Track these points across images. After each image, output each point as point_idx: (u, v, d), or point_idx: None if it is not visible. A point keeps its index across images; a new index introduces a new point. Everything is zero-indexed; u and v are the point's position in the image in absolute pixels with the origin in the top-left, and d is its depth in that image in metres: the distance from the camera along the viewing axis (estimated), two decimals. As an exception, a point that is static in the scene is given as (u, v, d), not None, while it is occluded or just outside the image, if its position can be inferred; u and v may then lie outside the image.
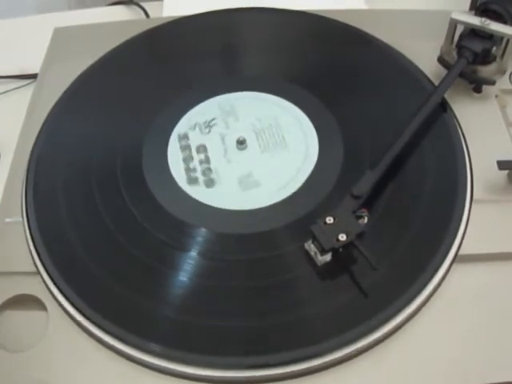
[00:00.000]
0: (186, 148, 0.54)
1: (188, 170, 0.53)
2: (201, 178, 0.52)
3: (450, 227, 0.47)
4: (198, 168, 0.53)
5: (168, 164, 0.53)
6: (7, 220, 0.50)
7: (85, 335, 0.44)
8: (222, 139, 0.55)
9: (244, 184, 0.51)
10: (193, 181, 0.52)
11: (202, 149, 0.54)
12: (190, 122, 0.56)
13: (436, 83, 0.55)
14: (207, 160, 0.53)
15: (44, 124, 0.56)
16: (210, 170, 0.53)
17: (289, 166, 0.52)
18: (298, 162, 0.52)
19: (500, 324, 0.44)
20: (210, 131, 0.55)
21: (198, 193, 0.51)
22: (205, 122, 0.56)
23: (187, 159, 0.53)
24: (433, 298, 0.45)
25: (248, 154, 0.54)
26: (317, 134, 0.54)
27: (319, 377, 0.42)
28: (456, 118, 0.54)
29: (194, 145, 0.54)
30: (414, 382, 0.42)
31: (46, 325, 0.45)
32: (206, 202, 0.50)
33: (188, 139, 0.55)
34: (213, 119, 0.56)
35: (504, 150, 0.52)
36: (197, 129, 0.55)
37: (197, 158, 0.53)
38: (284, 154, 0.53)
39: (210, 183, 0.52)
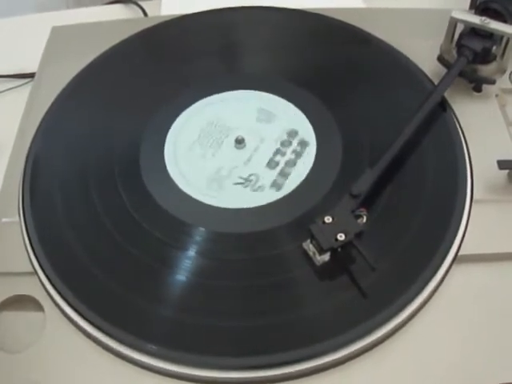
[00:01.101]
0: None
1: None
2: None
3: (449, 227, 0.47)
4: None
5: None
6: (4, 220, 0.50)
7: (82, 336, 0.44)
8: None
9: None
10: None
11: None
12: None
13: (436, 82, 0.55)
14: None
15: (41, 123, 0.56)
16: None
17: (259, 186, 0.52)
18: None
19: (500, 324, 0.43)
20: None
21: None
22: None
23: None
24: (433, 299, 0.44)
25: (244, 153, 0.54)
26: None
27: (318, 378, 0.42)
28: (456, 117, 0.54)
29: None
30: (414, 382, 0.41)
31: (43, 325, 0.44)
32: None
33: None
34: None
35: (504, 149, 0.52)
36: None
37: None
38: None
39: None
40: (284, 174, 0.51)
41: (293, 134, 0.54)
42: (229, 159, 0.53)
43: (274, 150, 0.53)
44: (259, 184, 0.51)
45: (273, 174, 0.52)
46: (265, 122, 0.55)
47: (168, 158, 0.53)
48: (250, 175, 0.52)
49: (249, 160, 0.53)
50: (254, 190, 0.51)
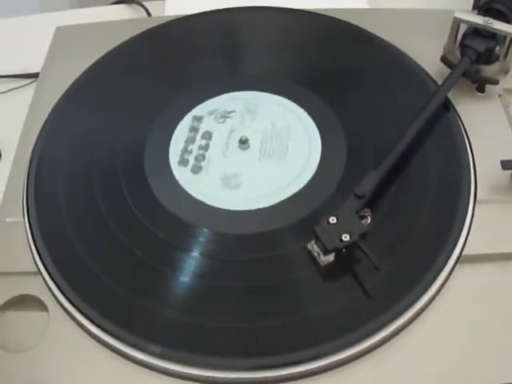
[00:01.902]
0: (193, 130, 0.54)
1: (185, 150, 0.53)
2: (191, 162, 0.53)
3: (453, 227, 0.47)
4: (194, 152, 0.53)
5: (170, 165, 0.53)
6: (8, 220, 0.50)
7: (86, 335, 0.44)
8: (230, 133, 0.55)
9: (227, 182, 0.52)
10: (183, 162, 0.53)
11: (207, 135, 0.54)
12: (208, 107, 0.57)
13: (439, 82, 0.55)
14: (206, 147, 0.54)
15: (45, 123, 0.56)
16: (203, 157, 0.53)
17: (292, 167, 0.52)
18: (301, 161, 0.52)
19: (504, 324, 0.43)
20: (224, 121, 0.55)
21: (201, 193, 0.51)
22: (224, 111, 0.56)
23: (189, 141, 0.54)
24: (437, 299, 0.44)
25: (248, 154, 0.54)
26: (319, 134, 0.54)
27: (322, 378, 0.42)
28: (459, 117, 0.54)
29: (202, 129, 0.55)
30: (418, 382, 0.41)
31: (46, 325, 0.45)
32: (208, 203, 0.50)
33: (200, 122, 0.55)
34: (232, 111, 0.56)
35: (507, 149, 0.52)
36: (212, 116, 0.56)
37: (198, 142, 0.54)
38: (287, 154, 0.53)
39: (197, 170, 0.52)
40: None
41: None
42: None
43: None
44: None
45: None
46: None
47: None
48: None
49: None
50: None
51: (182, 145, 0.54)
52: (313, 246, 0.45)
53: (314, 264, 0.45)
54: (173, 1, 0.72)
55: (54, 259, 0.47)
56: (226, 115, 0.56)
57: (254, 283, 0.46)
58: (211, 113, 0.56)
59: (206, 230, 0.48)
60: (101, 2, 0.75)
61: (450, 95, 0.54)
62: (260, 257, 0.47)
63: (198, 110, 0.56)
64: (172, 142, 0.54)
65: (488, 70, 0.56)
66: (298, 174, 0.51)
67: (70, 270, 0.46)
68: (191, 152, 0.53)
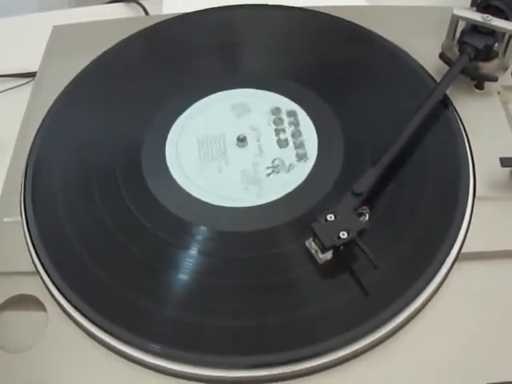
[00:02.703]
0: None
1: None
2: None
3: (452, 225, 0.47)
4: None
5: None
6: (6, 219, 0.50)
7: (84, 335, 0.44)
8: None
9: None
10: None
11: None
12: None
13: (438, 80, 0.55)
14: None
15: (43, 122, 0.56)
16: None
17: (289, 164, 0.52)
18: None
19: (503, 323, 0.43)
20: None
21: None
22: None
23: None
24: (435, 297, 0.44)
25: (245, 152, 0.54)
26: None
27: (320, 377, 0.41)
28: (458, 114, 0.54)
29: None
30: (416, 381, 0.41)
31: (45, 325, 0.44)
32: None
33: None
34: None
35: (506, 146, 0.51)
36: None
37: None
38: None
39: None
40: (299, 145, 0.53)
41: (276, 111, 0.55)
42: (243, 160, 0.53)
43: (273, 131, 0.54)
44: (287, 164, 0.52)
45: (290, 150, 0.53)
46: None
47: (169, 156, 0.53)
48: (274, 160, 0.52)
49: (261, 151, 0.53)
50: (288, 171, 0.51)
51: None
52: (310, 244, 0.45)
53: (311, 261, 0.45)
54: (170, -1, 0.72)
55: (52, 259, 0.47)
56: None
57: (251, 281, 0.45)
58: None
59: (203, 227, 0.48)
60: (98, 0, 0.75)
61: (448, 92, 0.54)
62: (257, 255, 0.47)
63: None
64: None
65: (487, 67, 0.56)
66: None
67: (68, 269, 0.46)
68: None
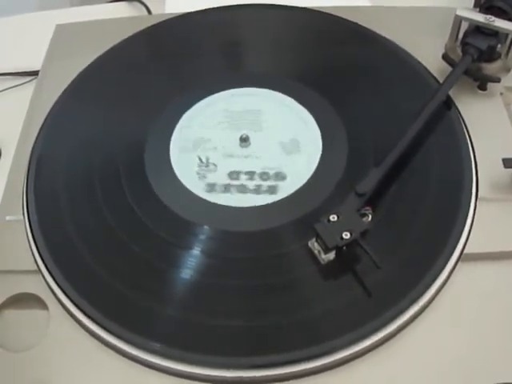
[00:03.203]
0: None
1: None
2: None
3: (455, 226, 0.47)
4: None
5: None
6: (8, 218, 0.50)
7: (86, 334, 0.44)
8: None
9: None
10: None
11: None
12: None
13: (441, 80, 0.55)
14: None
15: (45, 121, 0.56)
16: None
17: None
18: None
19: (506, 323, 0.43)
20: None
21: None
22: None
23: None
24: (438, 297, 0.44)
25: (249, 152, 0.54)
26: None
27: (323, 377, 0.41)
28: (461, 115, 0.54)
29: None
30: (420, 382, 0.41)
31: (47, 324, 0.44)
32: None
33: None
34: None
35: (509, 147, 0.51)
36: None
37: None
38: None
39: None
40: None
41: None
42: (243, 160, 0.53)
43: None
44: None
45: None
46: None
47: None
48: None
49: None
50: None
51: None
52: (313, 244, 0.45)
53: (314, 262, 0.45)
54: (173, -2, 0.72)
55: (54, 257, 0.47)
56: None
57: (254, 281, 0.45)
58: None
59: (206, 227, 0.48)
60: (101, -1, 0.75)
61: (451, 93, 0.54)
62: (260, 255, 0.47)
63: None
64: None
65: (490, 68, 0.56)
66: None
67: (70, 268, 0.46)
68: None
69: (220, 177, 0.52)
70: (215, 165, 0.52)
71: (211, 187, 0.51)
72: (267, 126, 0.55)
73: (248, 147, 0.53)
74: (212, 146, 0.54)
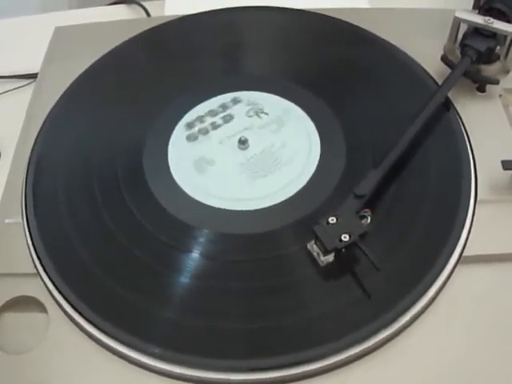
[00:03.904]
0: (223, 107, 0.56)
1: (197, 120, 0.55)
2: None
3: (453, 228, 0.47)
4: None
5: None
6: (7, 221, 0.50)
7: (85, 337, 0.44)
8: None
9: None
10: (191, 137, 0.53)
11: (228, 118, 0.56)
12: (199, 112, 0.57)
13: (439, 82, 0.55)
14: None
15: (44, 124, 0.56)
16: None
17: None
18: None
19: (505, 325, 0.43)
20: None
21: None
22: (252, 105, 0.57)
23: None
24: (437, 299, 0.44)
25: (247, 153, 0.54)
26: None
27: (322, 379, 0.41)
28: (460, 117, 0.54)
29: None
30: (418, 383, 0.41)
31: (46, 327, 0.44)
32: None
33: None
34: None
35: (508, 149, 0.51)
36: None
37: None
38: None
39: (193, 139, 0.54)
40: None
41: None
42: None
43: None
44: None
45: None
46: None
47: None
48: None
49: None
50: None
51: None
52: (312, 246, 0.45)
53: (313, 264, 0.45)
54: (172, 1, 0.71)
55: (53, 260, 0.47)
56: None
57: (253, 284, 0.45)
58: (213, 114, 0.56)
59: (205, 230, 0.48)
60: (100, 2, 0.75)
61: (450, 95, 0.54)
62: (259, 257, 0.47)
63: (197, 109, 0.56)
64: (170, 142, 0.54)
65: (488, 70, 0.56)
66: (297, 175, 0.51)
67: (69, 271, 0.46)
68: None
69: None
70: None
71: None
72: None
73: (247, 149, 0.53)
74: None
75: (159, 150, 0.53)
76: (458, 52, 0.57)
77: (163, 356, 0.42)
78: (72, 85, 0.58)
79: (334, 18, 0.62)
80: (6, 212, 0.51)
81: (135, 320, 0.44)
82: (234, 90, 0.57)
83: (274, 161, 0.52)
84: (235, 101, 0.57)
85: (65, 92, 0.58)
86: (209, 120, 0.55)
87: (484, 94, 0.56)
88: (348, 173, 0.50)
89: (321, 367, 0.41)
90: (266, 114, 0.56)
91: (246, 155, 0.53)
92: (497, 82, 0.55)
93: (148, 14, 0.71)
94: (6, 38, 0.69)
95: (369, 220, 0.46)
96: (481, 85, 0.56)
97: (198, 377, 0.41)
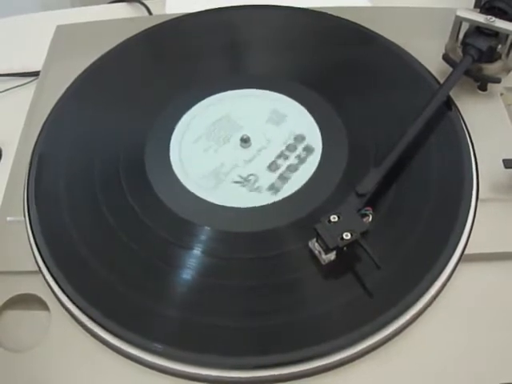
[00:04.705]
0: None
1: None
2: None
3: (455, 226, 0.47)
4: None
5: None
6: (9, 219, 0.50)
7: (87, 335, 0.44)
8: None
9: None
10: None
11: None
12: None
13: (441, 81, 0.55)
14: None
15: (46, 122, 0.56)
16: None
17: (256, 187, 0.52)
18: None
19: (507, 324, 0.43)
20: None
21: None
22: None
23: None
24: (439, 298, 0.44)
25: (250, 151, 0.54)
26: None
27: (323, 378, 0.41)
28: (461, 116, 0.54)
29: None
30: (419, 382, 0.41)
31: (47, 324, 0.44)
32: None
33: None
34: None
35: (510, 148, 0.51)
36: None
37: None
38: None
39: None
40: (283, 178, 0.51)
41: (299, 138, 0.54)
42: (231, 157, 0.53)
43: (278, 152, 0.53)
44: (257, 185, 0.51)
45: (273, 176, 0.51)
46: (274, 124, 0.55)
47: (173, 156, 0.53)
48: (250, 175, 0.52)
49: (251, 160, 0.53)
50: (251, 191, 0.51)
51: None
52: (314, 245, 0.45)
53: (314, 262, 0.45)
54: (174, -1, 0.72)
55: (55, 258, 0.47)
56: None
57: (254, 282, 0.45)
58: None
59: (207, 227, 0.48)
60: (101, 0, 0.75)
61: (451, 94, 0.54)
62: (261, 255, 0.47)
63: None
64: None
65: (490, 69, 0.56)
66: (298, 172, 0.51)
67: (71, 268, 0.46)
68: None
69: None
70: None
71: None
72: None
73: (248, 148, 0.53)
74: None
75: (161, 147, 0.53)
76: (459, 51, 0.57)
77: (165, 353, 0.42)
78: (74, 83, 0.58)
79: (335, 16, 0.62)
80: (8, 210, 0.51)
81: (137, 317, 0.44)
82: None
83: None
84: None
85: (67, 90, 0.58)
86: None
87: (485, 92, 0.56)
88: (350, 171, 0.50)
89: (321, 365, 0.41)
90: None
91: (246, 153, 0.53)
92: (498, 81, 0.55)
93: (150, 13, 0.71)
94: (7, 36, 0.69)
95: (370, 218, 0.46)
96: (482, 83, 0.56)
97: (198, 374, 0.42)
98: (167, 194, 0.50)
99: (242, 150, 0.53)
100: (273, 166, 0.52)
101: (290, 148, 0.53)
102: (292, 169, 0.52)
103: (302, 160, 0.52)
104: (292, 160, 0.52)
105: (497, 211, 0.48)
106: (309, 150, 0.53)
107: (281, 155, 0.53)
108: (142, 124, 0.55)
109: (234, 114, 0.56)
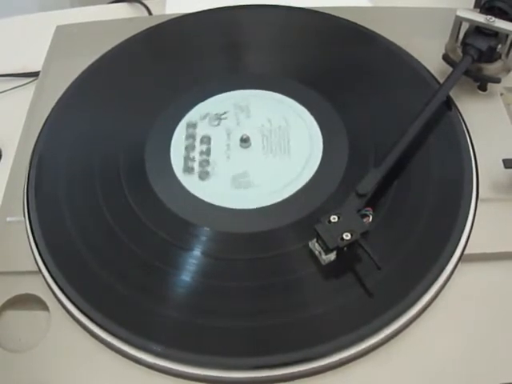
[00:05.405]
0: (190, 136, 0.54)
1: (187, 158, 0.53)
2: (196, 169, 0.52)
3: (455, 226, 0.47)
4: (197, 158, 0.53)
5: (171, 163, 0.53)
6: (9, 219, 0.50)
7: (87, 335, 0.44)
8: (228, 134, 0.54)
9: (237, 183, 0.51)
10: (188, 170, 0.52)
11: (205, 140, 0.54)
12: (201, 111, 0.56)
13: (441, 81, 0.55)
14: (208, 152, 0.53)
15: (46, 122, 0.56)
16: (207, 162, 0.52)
17: (293, 164, 0.52)
18: (302, 160, 0.52)
19: (506, 324, 0.43)
20: (219, 124, 0.55)
21: (202, 191, 0.51)
22: (216, 114, 0.55)
23: (189, 148, 0.53)
24: (439, 298, 0.44)
25: (251, 152, 0.53)
26: (321, 132, 0.54)
27: (323, 378, 0.41)
28: (461, 116, 0.54)
29: (199, 134, 0.54)
30: (419, 382, 0.41)
31: (47, 325, 0.44)
32: (209, 201, 0.50)
33: (195, 128, 0.55)
34: (224, 113, 0.56)
35: (510, 148, 0.51)
36: (207, 119, 0.55)
37: (198, 148, 0.53)
38: (287, 155, 0.53)
39: (204, 176, 0.52)
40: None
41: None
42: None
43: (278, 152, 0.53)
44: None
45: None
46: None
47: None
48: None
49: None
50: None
51: (183, 152, 0.53)
52: (314, 245, 0.45)
53: (315, 263, 0.45)
54: (173, -1, 0.72)
55: (55, 258, 0.47)
56: (219, 117, 0.55)
57: (254, 282, 0.45)
58: (204, 117, 0.56)
59: (206, 228, 0.48)
60: (101, 0, 0.75)
61: (451, 94, 0.54)
62: (261, 256, 0.47)
63: (194, 113, 0.56)
64: (173, 138, 0.54)
65: (490, 69, 0.56)
66: (299, 173, 0.51)
67: (71, 269, 0.46)
68: (194, 159, 0.53)
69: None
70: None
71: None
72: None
73: (249, 147, 0.53)
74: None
75: (161, 148, 0.53)
76: (459, 51, 0.57)
77: (165, 354, 0.42)
78: (74, 83, 0.58)
79: (335, 16, 0.62)
80: (8, 210, 0.51)
81: (137, 317, 0.44)
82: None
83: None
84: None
85: (66, 90, 0.58)
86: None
87: (485, 92, 0.56)
88: (350, 171, 0.50)
89: (321, 366, 0.41)
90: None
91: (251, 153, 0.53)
92: (498, 81, 0.55)
93: (149, 13, 0.71)
94: (7, 37, 0.69)
95: (370, 219, 0.46)
96: (482, 83, 0.56)
97: (199, 374, 0.42)
98: (167, 194, 0.50)
99: (242, 150, 0.53)
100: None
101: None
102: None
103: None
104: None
105: (497, 211, 0.48)
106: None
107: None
108: (142, 124, 0.55)
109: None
